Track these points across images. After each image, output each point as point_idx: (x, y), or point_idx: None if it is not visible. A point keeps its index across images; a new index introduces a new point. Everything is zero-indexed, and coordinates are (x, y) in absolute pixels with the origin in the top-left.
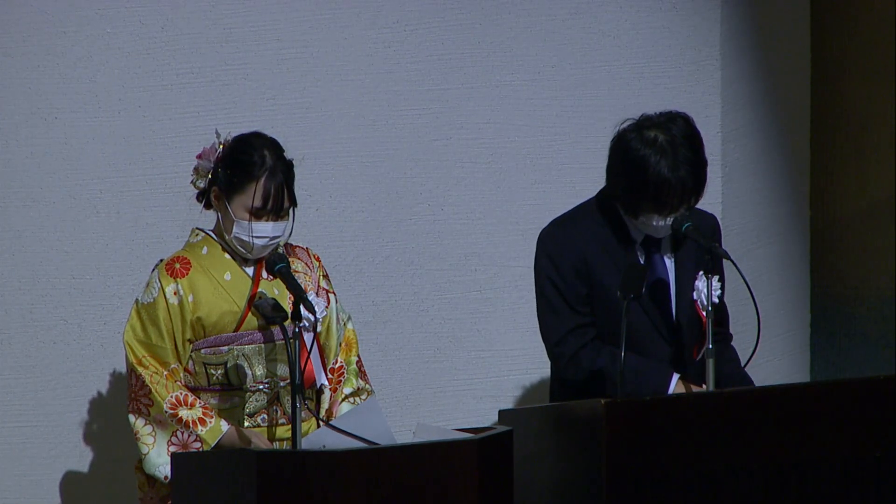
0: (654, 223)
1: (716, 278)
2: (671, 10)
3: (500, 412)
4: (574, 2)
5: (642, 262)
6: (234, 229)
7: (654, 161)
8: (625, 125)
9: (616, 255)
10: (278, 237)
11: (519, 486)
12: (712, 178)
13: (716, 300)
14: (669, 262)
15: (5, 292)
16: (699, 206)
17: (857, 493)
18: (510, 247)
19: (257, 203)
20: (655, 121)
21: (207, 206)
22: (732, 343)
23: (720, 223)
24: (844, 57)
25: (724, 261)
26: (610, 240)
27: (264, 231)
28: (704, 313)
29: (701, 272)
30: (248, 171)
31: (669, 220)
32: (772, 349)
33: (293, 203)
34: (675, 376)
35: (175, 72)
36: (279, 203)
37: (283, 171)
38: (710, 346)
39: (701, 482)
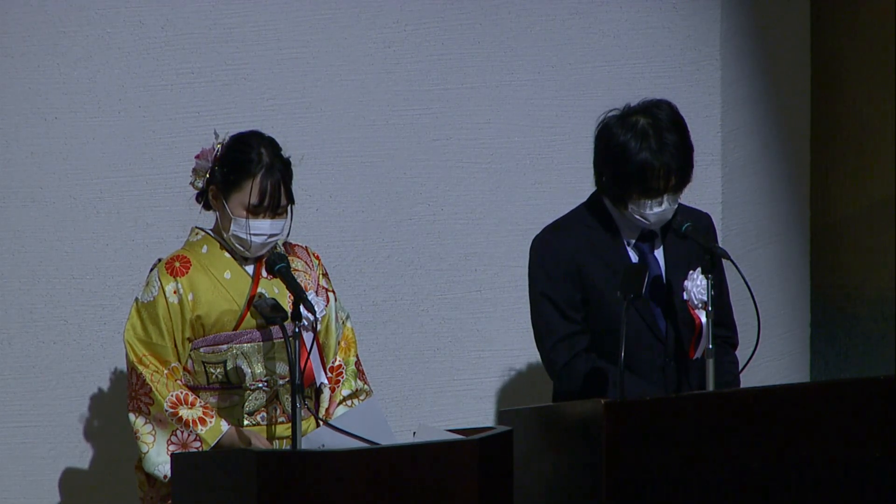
0: (643, 210)
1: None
2: (671, 10)
3: (500, 412)
4: (574, 2)
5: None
6: (232, 227)
7: (635, 145)
8: (609, 115)
9: (609, 257)
10: (276, 235)
11: (519, 486)
12: (712, 178)
13: (705, 298)
14: (661, 259)
15: (5, 292)
16: (695, 205)
17: (857, 493)
18: (510, 247)
19: (254, 200)
20: (638, 108)
21: (206, 206)
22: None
23: (720, 223)
24: (844, 57)
25: (724, 260)
26: (602, 243)
27: (262, 228)
28: (696, 312)
29: (690, 271)
30: (244, 168)
31: (658, 208)
32: (772, 349)
33: (290, 200)
34: None
35: (175, 72)
36: (276, 200)
37: (281, 169)
38: (711, 346)
39: (701, 482)
